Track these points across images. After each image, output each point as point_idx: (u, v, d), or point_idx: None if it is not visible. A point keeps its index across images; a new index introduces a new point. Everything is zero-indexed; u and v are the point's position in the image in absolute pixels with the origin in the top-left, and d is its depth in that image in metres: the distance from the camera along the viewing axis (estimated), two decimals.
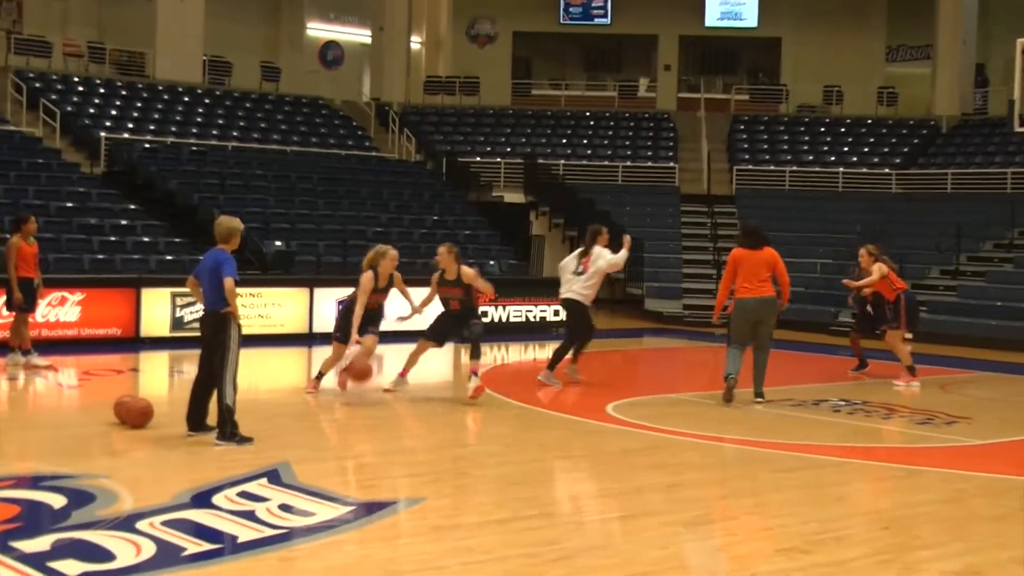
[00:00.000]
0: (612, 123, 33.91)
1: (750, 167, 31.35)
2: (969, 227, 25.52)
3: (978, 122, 32.88)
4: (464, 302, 12.25)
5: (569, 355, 13.92)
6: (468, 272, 12.29)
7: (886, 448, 10.67)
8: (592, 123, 33.90)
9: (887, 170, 30.84)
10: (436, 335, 12.55)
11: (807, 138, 33.07)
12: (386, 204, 26.09)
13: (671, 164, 31.57)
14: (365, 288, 11.93)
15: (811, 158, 31.90)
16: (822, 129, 33.50)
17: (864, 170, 31.03)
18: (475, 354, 12.17)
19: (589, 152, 32.25)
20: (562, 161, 31.28)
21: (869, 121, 33.56)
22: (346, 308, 12.25)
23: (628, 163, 31.52)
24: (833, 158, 31.82)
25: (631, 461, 9.64)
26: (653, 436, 10.81)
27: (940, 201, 28.84)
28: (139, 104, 28.31)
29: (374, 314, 12.07)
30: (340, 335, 12.10)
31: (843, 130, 33.27)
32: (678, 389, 13.86)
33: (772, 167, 31.36)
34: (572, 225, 29.03)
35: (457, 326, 12.35)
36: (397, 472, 8.99)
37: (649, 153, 32.36)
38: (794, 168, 31.14)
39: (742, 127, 33.67)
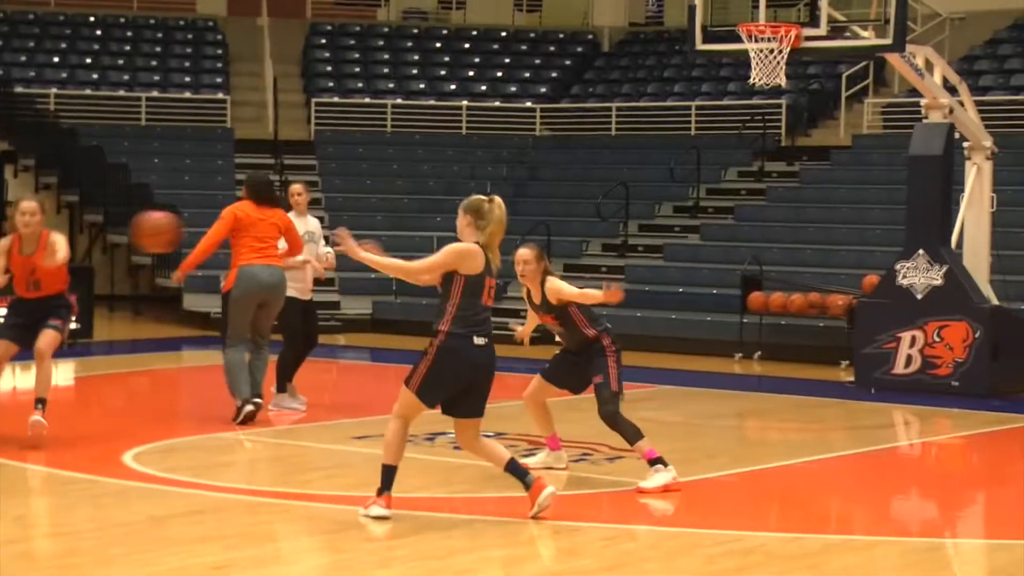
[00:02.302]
0: (129, 34, 33.35)
1: (336, 99, 31.69)
2: (640, 184, 26.86)
3: (651, 36, 34.62)
4: (574, 334, 11.38)
5: None
6: (555, 289, 11.23)
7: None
8: (99, 34, 33.19)
9: (529, 103, 31.96)
10: (556, 377, 11.54)
11: (416, 58, 33.76)
12: None
13: (220, 95, 31.45)
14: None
15: (423, 86, 32.60)
16: (438, 45, 34.29)
17: (497, 103, 32.01)
18: (629, 435, 11.29)
19: (95, 77, 31.59)
20: (53, 90, 30.51)
21: (503, 34, 34.64)
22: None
23: (155, 93, 31.12)
24: (454, 86, 32.64)
25: (163, 534, 9.55)
26: (195, 496, 10.76)
27: (601, 147, 30.17)
28: None
29: None
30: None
31: (467, 47, 34.17)
32: (232, 426, 13.86)
33: (367, 99, 31.82)
34: (72, 185, 28.37)
35: (581, 370, 11.41)
36: None
37: (187, 79, 32.09)
38: (399, 101, 31.74)
39: (323, 42, 33.95)
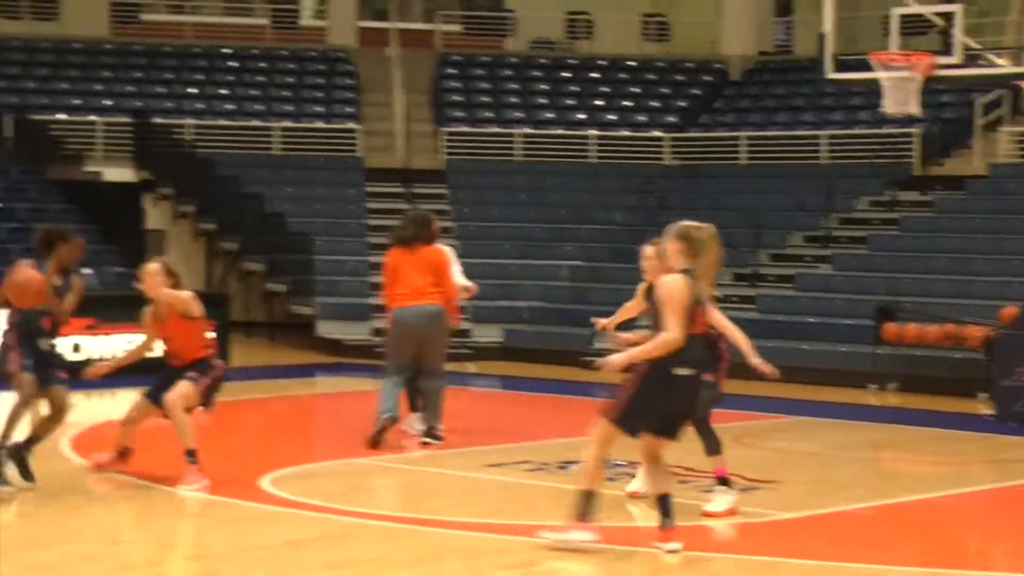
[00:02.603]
0: (264, 65, 33.73)
1: (465, 129, 31.79)
2: (771, 213, 26.68)
3: (781, 65, 34.42)
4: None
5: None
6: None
7: (658, 534, 11.02)
8: (234, 65, 33.60)
9: (657, 132, 31.89)
10: None
11: (545, 87, 33.80)
12: None
13: (351, 125, 31.67)
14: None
15: (551, 115, 32.61)
16: (566, 75, 34.31)
17: (625, 132, 31.97)
18: (711, 445, 11.28)
19: (230, 107, 31.96)
20: (190, 120, 30.89)
21: (631, 63, 34.59)
22: None
23: (288, 123, 31.41)
24: (582, 115, 32.63)
25: (299, 558, 9.61)
26: (331, 521, 10.83)
27: (730, 176, 30.01)
28: None
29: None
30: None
31: (595, 76, 34.16)
32: (366, 451, 13.94)
33: (497, 128, 31.89)
34: (208, 214, 28.69)
35: None
36: None
37: (319, 109, 32.37)
38: (528, 130, 31.78)
39: (454, 72, 34.09)
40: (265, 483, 12.08)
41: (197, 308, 11.95)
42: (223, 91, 32.62)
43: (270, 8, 36.37)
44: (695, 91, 33.82)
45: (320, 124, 31.72)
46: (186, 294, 11.94)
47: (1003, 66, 18.60)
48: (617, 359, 9.77)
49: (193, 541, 10.07)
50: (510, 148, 31.45)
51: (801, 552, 10.20)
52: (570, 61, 35.01)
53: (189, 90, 32.46)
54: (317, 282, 25.99)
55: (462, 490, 12.39)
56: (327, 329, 25.26)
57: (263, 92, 32.81)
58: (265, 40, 34.89)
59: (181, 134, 30.35)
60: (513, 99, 33.37)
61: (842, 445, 15.97)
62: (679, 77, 34.34)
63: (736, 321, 23.49)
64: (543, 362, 23.09)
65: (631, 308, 11.91)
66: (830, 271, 25.19)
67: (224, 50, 33.99)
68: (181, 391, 11.80)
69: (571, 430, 15.58)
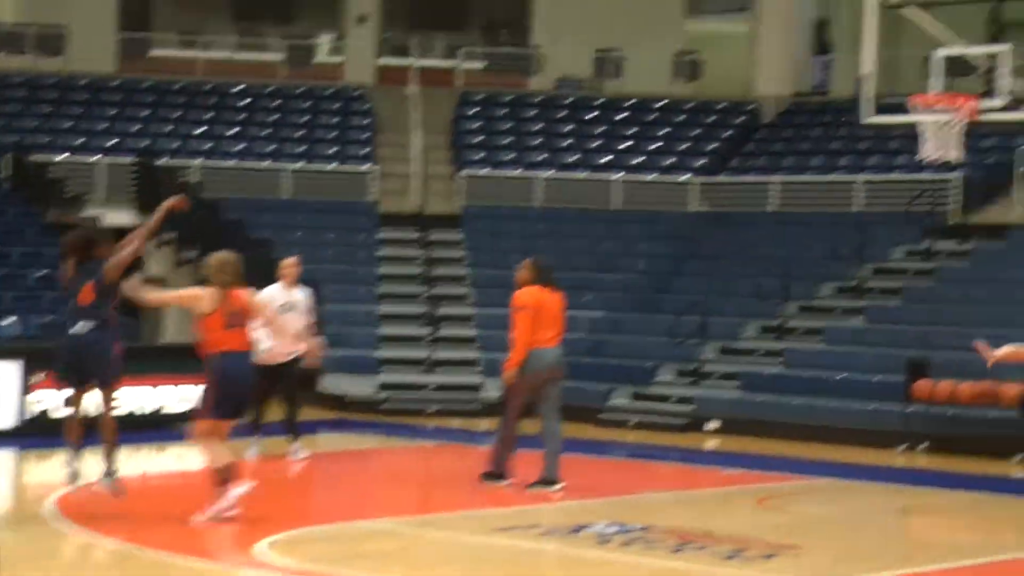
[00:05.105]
0: (277, 103, 33.84)
1: (485, 172, 31.81)
2: (802, 262, 26.62)
3: (816, 107, 34.41)
4: None
5: None
6: None
7: None
8: (246, 103, 33.71)
9: (686, 176, 31.87)
10: None
11: (570, 127, 33.82)
12: None
13: (366, 166, 31.73)
14: None
15: (576, 157, 32.61)
16: (593, 115, 34.31)
17: (652, 176, 31.94)
18: None
19: (240, 147, 32.04)
20: (199, 161, 30.96)
21: (661, 103, 34.61)
22: None
23: (300, 164, 31.46)
24: (608, 158, 32.61)
25: None
26: None
27: (760, 223, 29.95)
28: None
29: None
30: None
31: (623, 116, 34.17)
32: (372, 512, 13.96)
33: (518, 172, 31.90)
34: None
35: None
36: None
37: (333, 150, 32.43)
38: (551, 174, 31.78)
39: (475, 111, 34.16)
40: (263, 547, 12.04)
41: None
42: (233, 130, 32.70)
43: (286, 43, 36.49)
44: (727, 133, 33.78)
45: (334, 165, 31.75)
46: None
47: None
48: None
49: None
50: (532, 193, 31.42)
51: None
52: (598, 101, 34.95)
53: (196, 129, 32.55)
54: (324, 334, 25.91)
55: (470, 556, 12.36)
56: (331, 384, 25.09)
57: (274, 132, 32.88)
58: (278, 77, 35.02)
59: (187, 176, 30.38)
60: (536, 140, 33.39)
61: (869, 510, 15.92)
62: (710, 118, 34.32)
63: (760, 376, 23.56)
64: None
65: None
66: (861, 324, 25.13)
67: (236, 87, 34.05)
68: None
69: (584, 491, 15.61)
